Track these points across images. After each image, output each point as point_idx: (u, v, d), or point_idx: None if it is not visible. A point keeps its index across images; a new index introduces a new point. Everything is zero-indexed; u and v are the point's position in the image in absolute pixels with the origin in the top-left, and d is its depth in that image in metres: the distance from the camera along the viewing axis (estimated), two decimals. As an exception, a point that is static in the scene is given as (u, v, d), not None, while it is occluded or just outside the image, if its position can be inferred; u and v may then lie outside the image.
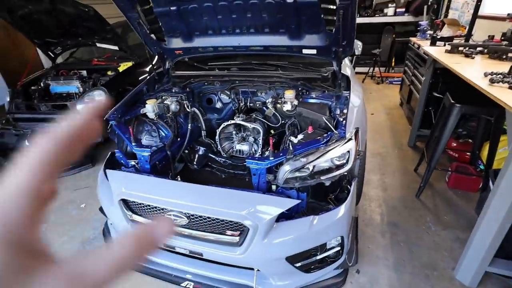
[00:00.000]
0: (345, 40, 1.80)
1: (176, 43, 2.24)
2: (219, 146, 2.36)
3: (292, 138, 1.80)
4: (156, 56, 2.47)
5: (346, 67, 2.28)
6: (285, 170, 1.47)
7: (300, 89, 2.15)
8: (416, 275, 1.98)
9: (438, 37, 3.16)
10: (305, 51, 2.04)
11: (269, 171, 1.62)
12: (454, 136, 2.96)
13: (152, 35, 2.19)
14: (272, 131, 2.40)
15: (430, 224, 2.35)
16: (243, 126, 2.28)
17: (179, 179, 1.94)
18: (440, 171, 2.78)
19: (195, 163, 2.37)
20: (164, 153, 2.03)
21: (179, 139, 2.26)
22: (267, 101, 2.32)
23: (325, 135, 1.73)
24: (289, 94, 2.09)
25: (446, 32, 3.15)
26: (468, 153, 2.90)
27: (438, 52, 2.79)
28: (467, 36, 3.02)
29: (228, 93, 2.43)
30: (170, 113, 2.21)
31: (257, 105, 2.41)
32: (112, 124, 1.93)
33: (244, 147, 2.40)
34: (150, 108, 2.15)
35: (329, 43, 1.90)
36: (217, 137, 2.33)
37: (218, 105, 2.58)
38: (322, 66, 2.28)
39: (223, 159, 2.36)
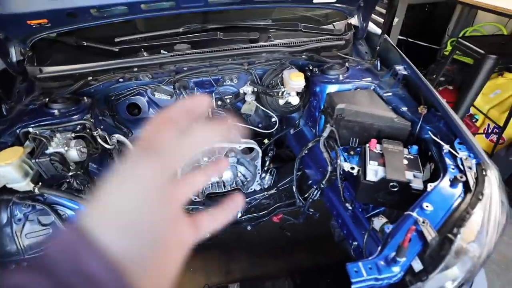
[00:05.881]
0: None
1: None
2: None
3: (351, 170, 1.00)
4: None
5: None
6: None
7: (311, 68, 1.28)
8: None
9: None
10: (316, -2, 1.13)
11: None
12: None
13: None
14: (265, 141, 1.49)
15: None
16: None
17: None
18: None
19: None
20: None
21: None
22: (241, 91, 1.37)
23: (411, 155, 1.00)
24: (298, 79, 1.20)
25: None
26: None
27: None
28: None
29: (171, 89, 1.33)
30: (70, 167, 1.01)
31: (226, 100, 1.43)
32: None
33: (226, 175, 1.44)
34: (12, 173, 0.91)
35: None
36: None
37: (152, 112, 1.44)
38: (319, 21, 1.42)
39: (196, 207, 1.37)
